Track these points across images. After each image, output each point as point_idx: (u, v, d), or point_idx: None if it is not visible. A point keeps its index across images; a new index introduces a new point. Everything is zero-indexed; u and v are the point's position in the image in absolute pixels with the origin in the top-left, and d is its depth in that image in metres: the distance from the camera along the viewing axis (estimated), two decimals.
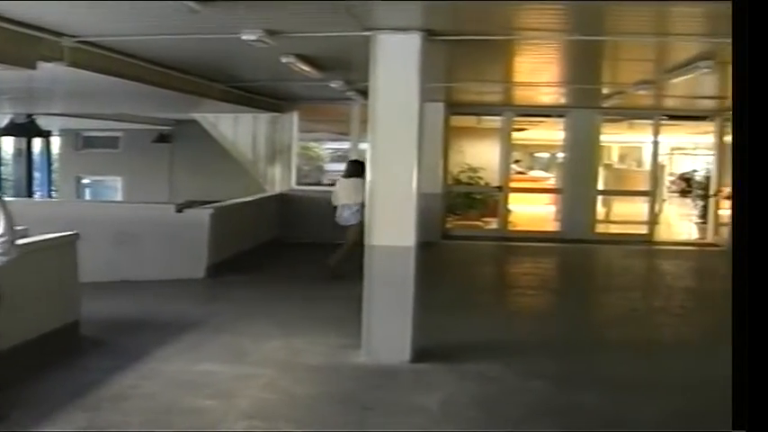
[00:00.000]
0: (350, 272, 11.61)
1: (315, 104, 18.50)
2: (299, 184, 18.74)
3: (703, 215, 21.86)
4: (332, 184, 14.40)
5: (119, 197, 27.48)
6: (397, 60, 8.22)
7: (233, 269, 13.62)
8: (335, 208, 13.43)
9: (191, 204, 14.43)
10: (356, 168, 12.87)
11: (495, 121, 19.79)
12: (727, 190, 18.69)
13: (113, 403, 6.87)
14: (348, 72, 12.39)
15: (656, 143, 19.58)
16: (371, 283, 8.32)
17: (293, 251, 16.41)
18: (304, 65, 10.86)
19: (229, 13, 7.56)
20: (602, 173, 22.06)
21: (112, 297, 11.20)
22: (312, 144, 20.37)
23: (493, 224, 19.73)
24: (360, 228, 11.04)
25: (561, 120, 19.30)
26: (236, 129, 18.92)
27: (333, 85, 13.48)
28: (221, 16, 7.62)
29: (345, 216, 13.29)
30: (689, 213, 25.15)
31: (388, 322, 8.34)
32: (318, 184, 19.18)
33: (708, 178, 21.41)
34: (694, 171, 28.03)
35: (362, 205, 10.17)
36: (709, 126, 19.95)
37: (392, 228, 8.30)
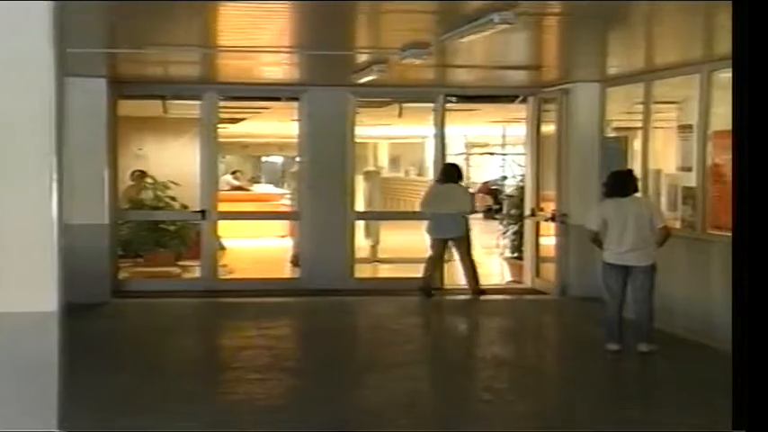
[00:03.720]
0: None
1: None
2: None
3: (518, 246, 22.26)
4: None
5: None
6: (10, 5, 7.93)
7: None
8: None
9: None
10: (452, 173, 18.83)
11: (192, 107, 19.97)
12: (552, 207, 19.21)
13: None
14: None
15: (442, 137, 20.12)
16: None
17: None
18: None
19: None
20: (362, 185, 22.57)
21: None
22: None
23: (195, 270, 19.77)
24: (463, 240, 18.84)
25: (295, 104, 19.59)
26: None
27: None
28: None
29: (443, 227, 18.43)
30: (497, 244, 25.64)
31: None
32: None
33: (522, 189, 21.57)
34: (504, 178, 28.92)
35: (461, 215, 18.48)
36: (522, 111, 20.68)
37: (18, 284, 7.93)
